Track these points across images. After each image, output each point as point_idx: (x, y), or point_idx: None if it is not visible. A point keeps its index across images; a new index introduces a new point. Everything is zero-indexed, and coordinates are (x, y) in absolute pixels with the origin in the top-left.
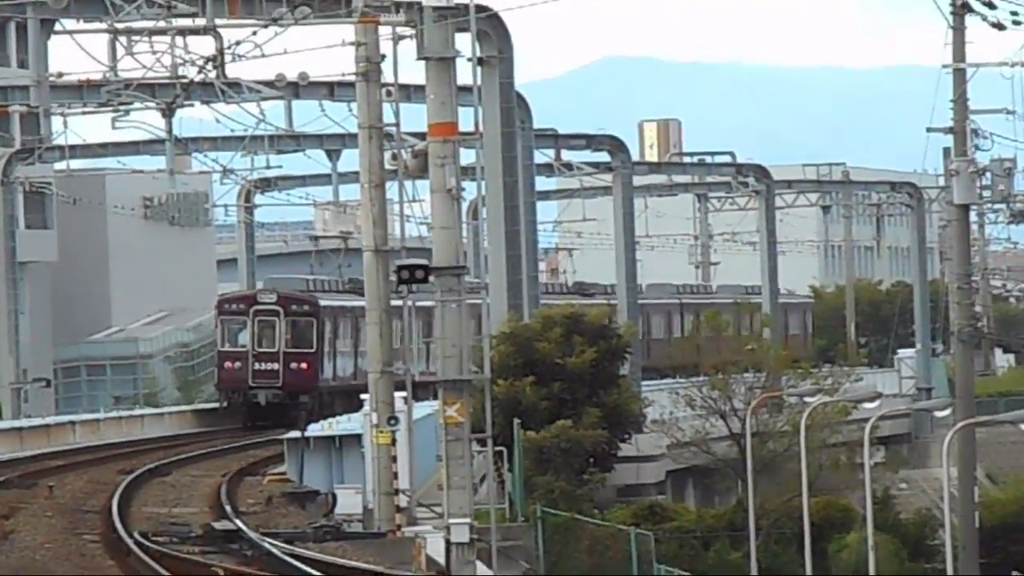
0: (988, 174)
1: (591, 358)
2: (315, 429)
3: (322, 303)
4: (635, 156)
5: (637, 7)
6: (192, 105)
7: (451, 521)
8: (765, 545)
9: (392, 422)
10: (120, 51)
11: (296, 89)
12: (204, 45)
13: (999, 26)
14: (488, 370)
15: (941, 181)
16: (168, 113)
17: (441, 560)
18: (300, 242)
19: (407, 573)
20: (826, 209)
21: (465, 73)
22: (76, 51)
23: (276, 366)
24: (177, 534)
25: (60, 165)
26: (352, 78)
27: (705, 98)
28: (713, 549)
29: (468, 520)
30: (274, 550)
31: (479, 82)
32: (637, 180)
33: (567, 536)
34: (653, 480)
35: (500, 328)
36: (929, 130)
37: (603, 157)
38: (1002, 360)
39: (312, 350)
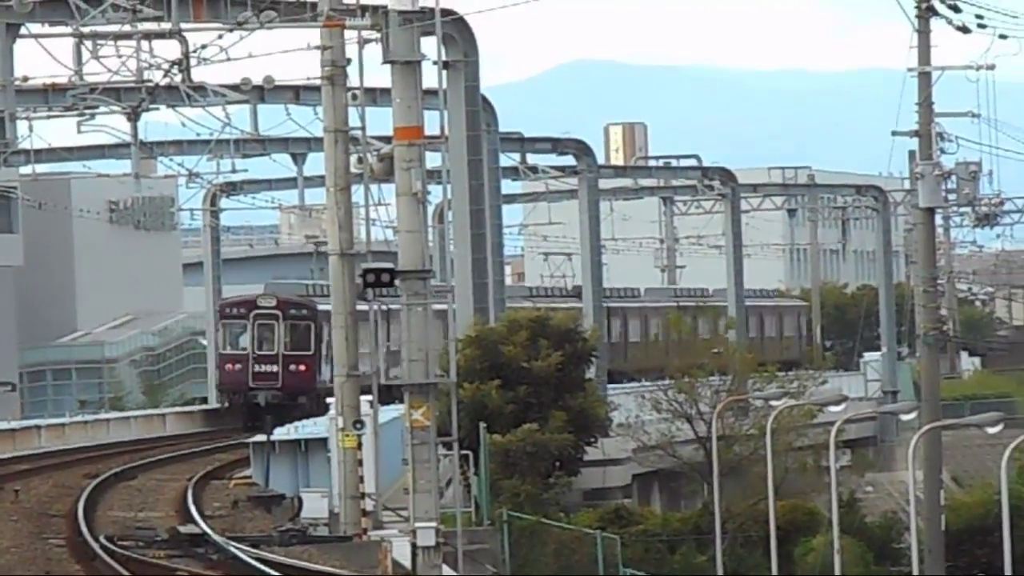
0: (953, 177)
1: (557, 362)
2: (281, 433)
3: (320, 307)
4: (601, 159)
5: (602, 11)
6: (157, 109)
7: (417, 525)
8: (731, 548)
9: (358, 426)
10: (85, 55)
11: (261, 93)
12: (169, 49)
13: (964, 29)
14: (454, 374)
15: (906, 184)
16: (133, 117)
17: (407, 564)
18: (266, 246)
19: None
20: (792, 212)
21: (431, 77)
22: (41, 55)
23: (275, 368)
24: (143, 538)
25: (25, 169)
26: (318, 82)
27: (671, 102)
28: (679, 552)
29: (434, 524)
30: (240, 554)
31: (445, 86)
32: (603, 183)
33: (533, 539)
34: (619, 484)
35: (466, 332)
36: (894, 133)
37: (569, 160)
38: (968, 363)
39: (310, 352)
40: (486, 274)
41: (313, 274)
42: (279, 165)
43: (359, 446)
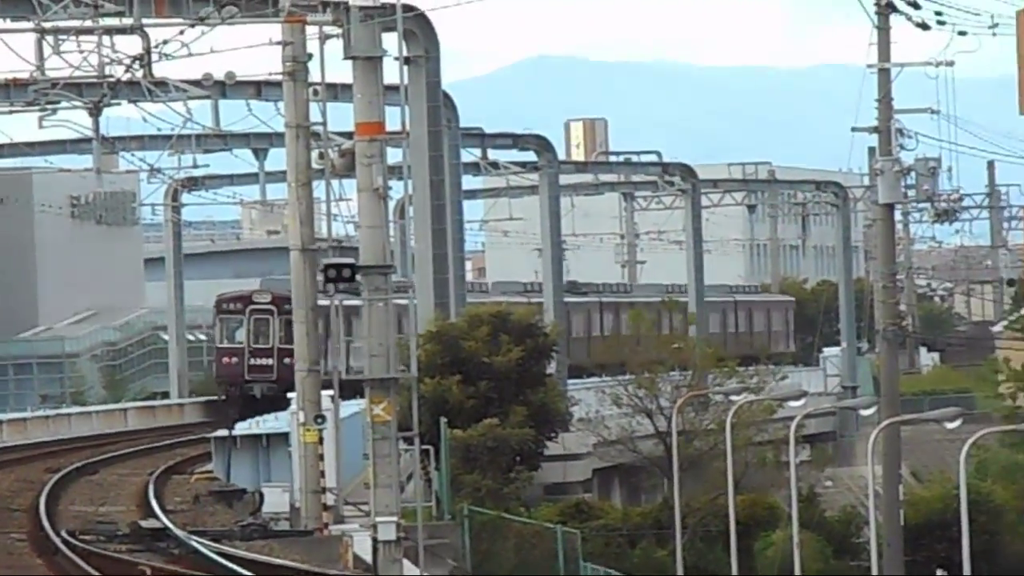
0: (913, 173)
1: (518, 357)
2: (242, 428)
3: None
4: (561, 155)
5: (563, 7)
6: (119, 104)
7: (378, 519)
8: (691, 543)
9: (319, 420)
10: (47, 50)
11: (223, 88)
12: (131, 44)
13: (923, 26)
14: (415, 369)
15: (866, 180)
16: (95, 112)
17: (368, 558)
18: (227, 241)
19: (334, 571)
20: (752, 208)
21: (392, 72)
22: (2, 50)
23: (270, 361)
24: (104, 533)
25: None
26: (279, 77)
27: (631, 97)
28: (639, 547)
29: (395, 518)
30: (201, 548)
31: (406, 81)
32: (563, 179)
33: (494, 534)
34: (579, 478)
35: (427, 327)
36: (854, 129)
37: (529, 156)
38: (927, 359)
39: None
40: (447, 269)
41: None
42: (241, 160)
43: (320, 441)
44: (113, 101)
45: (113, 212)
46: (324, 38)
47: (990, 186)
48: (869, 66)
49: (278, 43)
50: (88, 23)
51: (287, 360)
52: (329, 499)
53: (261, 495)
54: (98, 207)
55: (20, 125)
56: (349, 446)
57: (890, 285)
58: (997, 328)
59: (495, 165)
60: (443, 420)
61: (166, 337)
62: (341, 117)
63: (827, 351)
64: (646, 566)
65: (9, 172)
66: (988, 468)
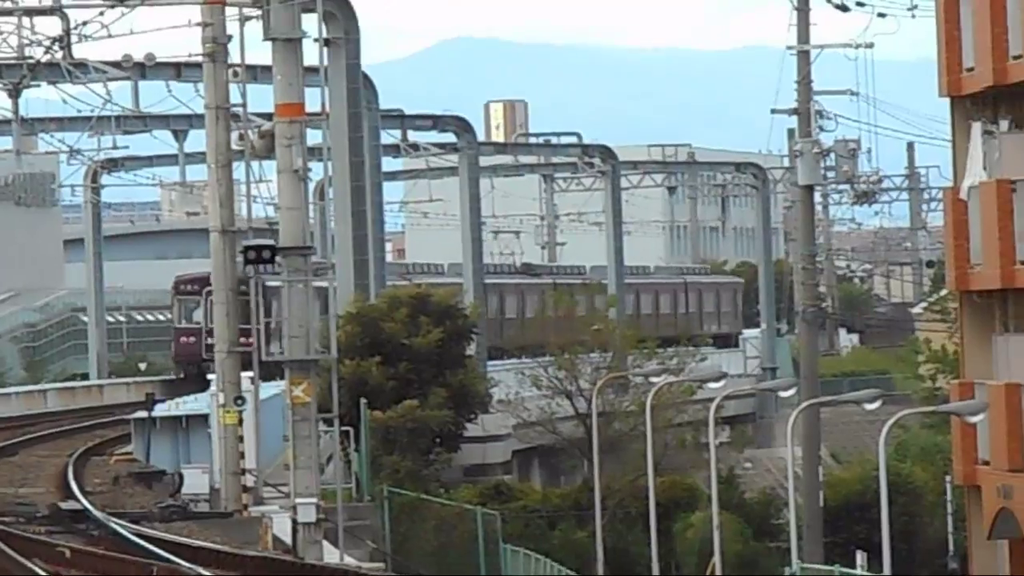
0: (832, 155)
1: (437, 338)
2: (161, 409)
3: (269, 283)
4: (481, 137)
5: None
6: (39, 86)
7: (298, 501)
8: (611, 524)
9: (239, 402)
10: None
11: (143, 70)
12: (51, 25)
13: (843, 7)
14: (334, 350)
15: (786, 162)
16: (14, 93)
17: (288, 540)
18: (147, 222)
19: (254, 552)
20: (672, 190)
21: (312, 54)
22: None
23: None
24: (23, 514)
25: None
26: (199, 59)
27: (551, 79)
28: (559, 528)
29: (315, 500)
30: (121, 530)
31: (326, 63)
32: (483, 161)
33: (413, 515)
34: (499, 460)
35: (346, 308)
36: (773, 111)
37: (449, 138)
38: (846, 340)
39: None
40: (367, 251)
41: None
42: (160, 142)
43: (240, 422)
44: (33, 82)
45: (32, 193)
46: (244, 19)
47: (909, 168)
48: (789, 48)
49: (198, 24)
50: (7, 4)
51: (243, 340)
52: (249, 480)
53: (181, 477)
54: (17, 188)
55: None
56: (269, 428)
57: (810, 266)
58: (916, 310)
59: (415, 147)
60: (363, 401)
61: (86, 319)
62: (261, 98)
63: (747, 332)
64: (566, 547)
65: None
66: (908, 449)
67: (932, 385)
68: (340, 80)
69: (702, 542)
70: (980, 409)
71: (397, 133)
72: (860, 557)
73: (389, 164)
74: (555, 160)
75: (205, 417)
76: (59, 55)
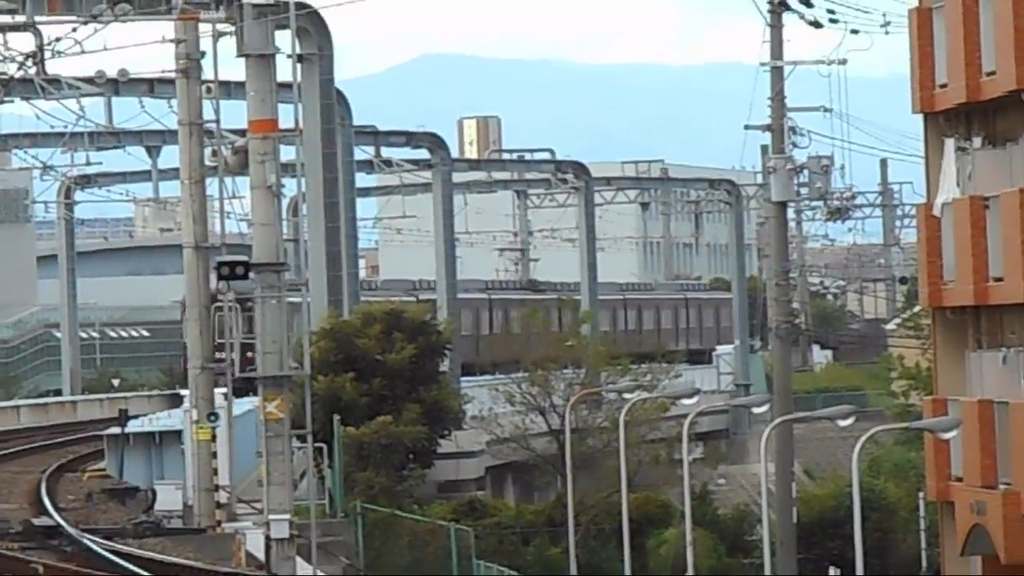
0: (805, 171)
1: (411, 354)
2: (135, 425)
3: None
4: (455, 153)
5: (456, 4)
6: (12, 101)
7: (271, 517)
8: (584, 541)
9: (212, 418)
10: None
11: (116, 86)
12: (24, 42)
13: (816, 24)
14: (308, 366)
15: (759, 178)
16: None
17: (261, 556)
18: (120, 238)
19: (226, 569)
20: (645, 206)
21: (285, 70)
22: None
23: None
24: None
25: None
26: (172, 75)
27: (525, 96)
28: (532, 544)
29: (288, 516)
30: (94, 546)
31: (299, 79)
32: (457, 177)
33: (387, 532)
34: (473, 476)
35: (320, 324)
36: (747, 127)
37: (423, 154)
38: (819, 356)
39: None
40: (340, 267)
41: None
42: (133, 158)
43: (213, 438)
44: (6, 98)
45: (5, 209)
46: (217, 35)
47: (883, 184)
48: (762, 64)
49: (171, 40)
50: None
51: (249, 355)
52: (222, 497)
53: (154, 493)
54: None
55: None
56: (242, 444)
57: (783, 283)
58: (890, 326)
59: (388, 163)
60: (336, 418)
61: (59, 335)
62: (234, 114)
63: (720, 349)
64: (539, 564)
65: None
66: (881, 466)
67: (905, 401)
68: (313, 96)
69: (675, 558)
70: (953, 425)
71: (371, 149)
72: (833, 572)
73: (363, 180)
74: (528, 176)
75: (178, 433)
76: (32, 71)
